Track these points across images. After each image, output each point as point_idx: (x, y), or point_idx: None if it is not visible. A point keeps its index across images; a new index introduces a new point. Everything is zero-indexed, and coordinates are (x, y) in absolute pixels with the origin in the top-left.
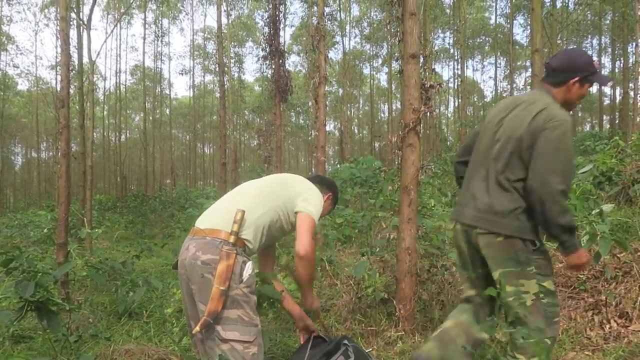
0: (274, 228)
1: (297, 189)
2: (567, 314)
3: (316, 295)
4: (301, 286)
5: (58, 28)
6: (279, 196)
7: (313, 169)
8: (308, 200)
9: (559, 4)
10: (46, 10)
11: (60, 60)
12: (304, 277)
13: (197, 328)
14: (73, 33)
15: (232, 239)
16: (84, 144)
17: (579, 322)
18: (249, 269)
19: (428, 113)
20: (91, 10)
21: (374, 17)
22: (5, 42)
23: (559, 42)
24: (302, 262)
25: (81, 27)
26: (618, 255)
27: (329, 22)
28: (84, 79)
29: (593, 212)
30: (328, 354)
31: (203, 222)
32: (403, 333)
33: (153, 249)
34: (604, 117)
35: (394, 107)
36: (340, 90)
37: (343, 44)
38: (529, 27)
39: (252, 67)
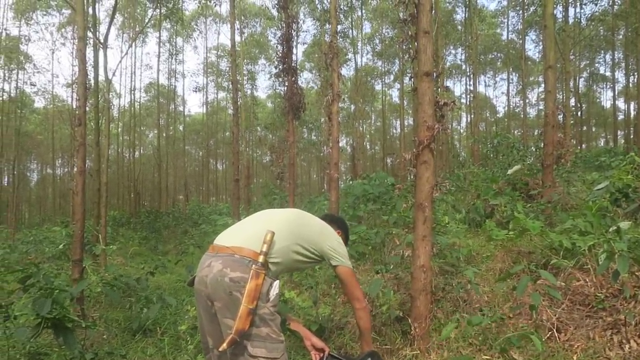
0: (293, 261)
1: (322, 237)
2: (585, 333)
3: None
4: (363, 333)
5: (75, 47)
6: (302, 234)
7: (325, 185)
8: (337, 251)
9: (571, 20)
10: (63, 30)
11: (77, 79)
12: (367, 324)
13: (225, 345)
14: (89, 52)
15: (261, 258)
16: (99, 161)
17: (597, 341)
18: (275, 288)
19: (442, 130)
20: (108, 30)
21: (386, 34)
22: (23, 61)
23: (571, 57)
24: (362, 313)
25: (97, 46)
26: (637, 274)
27: (341, 39)
28: (100, 96)
29: (610, 229)
30: None
31: (227, 240)
32: (418, 352)
33: (167, 265)
34: (619, 132)
35: (406, 123)
36: (352, 107)
37: (355, 60)
38: (541, 42)
39: (264, 84)
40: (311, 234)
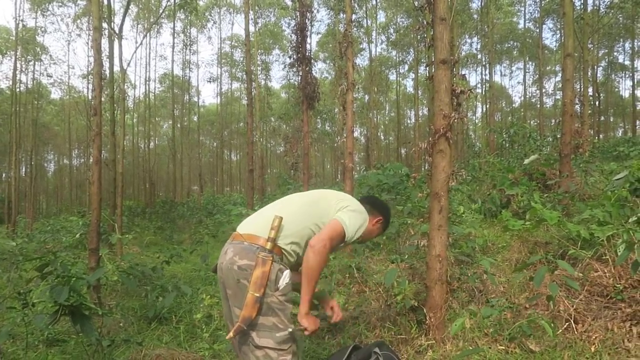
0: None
1: (340, 204)
2: (603, 324)
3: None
4: (303, 281)
5: (90, 38)
6: (322, 213)
7: (339, 176)
8: (346, 213)
9: (590, 8)
10: (78, 21)
11: (93, 70)
12: (307, 270)
13: (231, 334)
14: (105, 42)
15: (269, 245)
16: (115, 151)
17: (616, 332)
18: (286, 277)
19: (458, 119)
20: (122, 20)
21: (401, 23)
22: (40, 52)
23: (590, 46)
24: (311, 251)
25: (113, 37)
26: None
27: (355, 28)
28: (115, 87)
29: (630, 219)
30: None
31: (243, 227)
32: (434, 342)
33: (182, 254)
34: (637, 122)
35: (421, 113)
36: (366, 97)
37: (369, 50)
38: (558, 31)
39: (278, 75)
40: (328, 207)
